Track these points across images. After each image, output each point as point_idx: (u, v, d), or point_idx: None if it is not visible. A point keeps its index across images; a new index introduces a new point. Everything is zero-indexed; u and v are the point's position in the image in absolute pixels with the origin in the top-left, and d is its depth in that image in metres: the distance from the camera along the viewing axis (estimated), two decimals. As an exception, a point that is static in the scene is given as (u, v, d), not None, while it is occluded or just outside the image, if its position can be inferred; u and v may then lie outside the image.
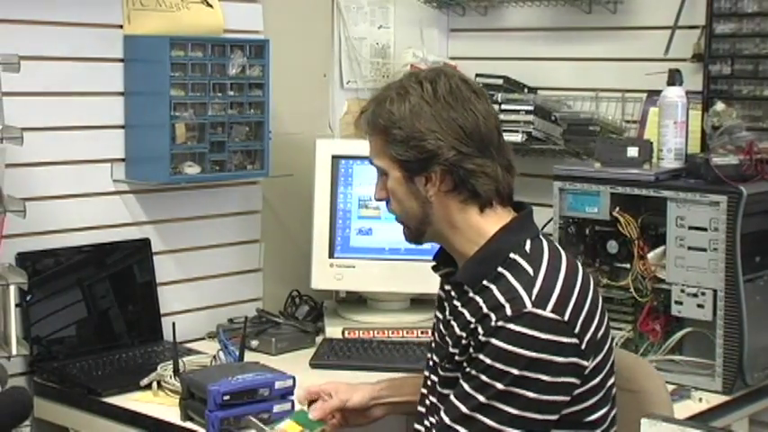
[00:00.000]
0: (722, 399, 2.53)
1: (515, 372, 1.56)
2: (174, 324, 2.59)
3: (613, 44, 3.11)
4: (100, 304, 2.77)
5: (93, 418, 2.50)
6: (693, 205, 2.57)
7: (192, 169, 2.80)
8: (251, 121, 2.91)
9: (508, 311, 1.58)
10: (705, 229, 2.56)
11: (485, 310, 1.61)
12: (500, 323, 1.57)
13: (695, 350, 2.65)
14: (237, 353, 2.59)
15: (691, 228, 2.58)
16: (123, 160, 2.84)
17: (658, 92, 2.83)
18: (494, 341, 1.57)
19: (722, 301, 2.54)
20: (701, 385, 2.56)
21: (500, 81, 3.14)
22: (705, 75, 2.90)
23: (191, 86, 2.76)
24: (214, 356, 2.63)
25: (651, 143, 2.76)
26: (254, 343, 2.82)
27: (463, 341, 1.61)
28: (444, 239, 1.71)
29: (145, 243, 2.87)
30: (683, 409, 2.44)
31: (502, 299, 1.60)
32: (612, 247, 2.72)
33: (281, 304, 3.12)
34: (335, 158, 3.02)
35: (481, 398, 1.56)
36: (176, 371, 2.49)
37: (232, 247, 3.10)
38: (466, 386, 1.58)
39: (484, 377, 1.57)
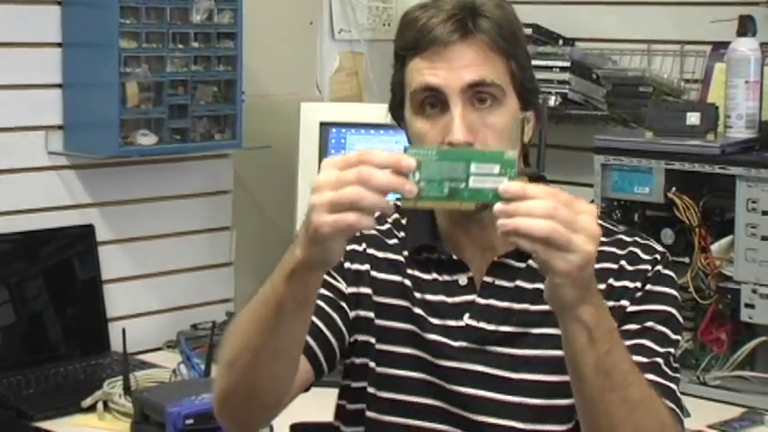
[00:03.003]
0: (803, 425, 2.53)
1: (680, 319, 1.74)
2: (123, 331, 2.58)
3: (670, -16, 3.11)
4: (32, 306, 2.77)
5: (23, 448, 2.50)
6: (769, 185, 2.58)
7: (146, 139, 2.79)
8: (220, 80, 2.90)
9: (657, 257, 1.74)
10: (783, 215, 2.56)
11: (617, 265, 1.71)
12: (657, 267, 1.73)
13: (770, 365, 2.66)
14: (203, 366, 2.60)
15: (765, 213, 2.58)
16: (61, 128, 2.83)
17: (726, 44, 2.81)
18: (657, 288, 1.72)
19: (804, 303, 2.55)
20: (777, 408, 2.57)
21: (529, 30, 3.12)
22: (784, 23, 2.89)
23: (145, 36, 2.75)
24: (174, 371, 2.63)
25: (716, 108, 2.75)
26: (224, 354, 2.82)
27: (611, 303, 1.69)
28: None
29: (88, 230, 2.87)
30: (755, 437, 2.45)
31: (636, 250, 1.74)
32: (668, 236, 2.71)
33: (257, 306, 3.11)
34: (324, 126, 3.02)
35: (670, 350, 1.70)
36: (127, 389, 2.49)
37: (196, 235, 3.10)
38: (644, 342, 1.67)
39: (660, 327, 1.70)
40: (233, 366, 1.60)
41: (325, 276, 1.71)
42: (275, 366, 1.59)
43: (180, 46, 2.83)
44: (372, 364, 1.76)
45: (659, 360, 1.66)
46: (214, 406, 1.67)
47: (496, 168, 1.41)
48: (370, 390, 1.76)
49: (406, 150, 1.42)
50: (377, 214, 1.43)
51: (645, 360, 1.63)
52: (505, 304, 1.73)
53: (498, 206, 1.40)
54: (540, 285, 1.72)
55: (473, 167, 1.42)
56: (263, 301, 1.55)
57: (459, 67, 1.65)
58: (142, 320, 2.97)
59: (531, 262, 1.73)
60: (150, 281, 3.01)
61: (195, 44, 2.85)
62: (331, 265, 1.51)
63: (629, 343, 1.64)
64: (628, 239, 1.75)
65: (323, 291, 1.73)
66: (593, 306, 1.46)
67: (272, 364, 1.58)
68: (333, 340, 1.74)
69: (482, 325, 1.73)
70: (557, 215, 1.38)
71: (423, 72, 1.67)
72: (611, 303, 1.68)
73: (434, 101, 1.67)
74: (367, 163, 1.40)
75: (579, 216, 1.41)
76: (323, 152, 3.02)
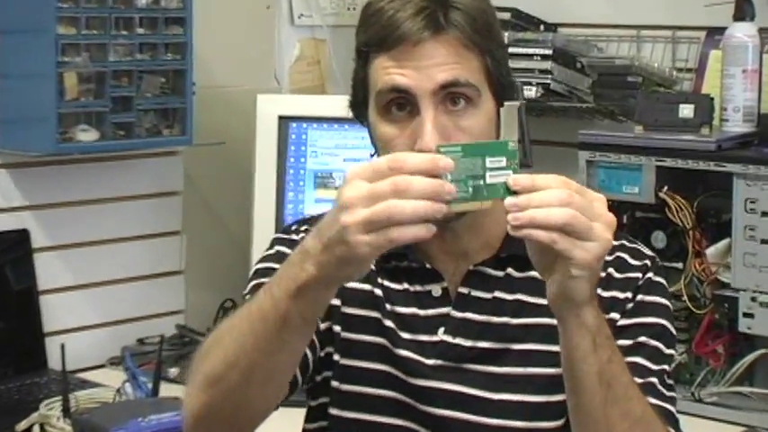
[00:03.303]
0: (806, 444, 2.54)
1: (673, 331, 1.75)
2: (62, 346, 2.57)
3: (661, -35, 3.12)
4: (-39, 320, 2.76)
5: (-49, 476, 2.49)
6: (768, 183, 2.59)
7: (87, 135, 2.78)
8: (168, 70, 2.90)
9: (648, 262, 1.75)
10: (784, 216, 2.57)
11: (604, 273, 1.70)
12: (648, 275, 1.74)
13: (771, 379, 2.67)
14: (150, 385, 2.59)
15: (765, 214, 2.59)
16: (-8, 123, 2.82)
17: (722, 29, 2.82)
18: (649, 298, 1.74)
19: (807, 312, 2.56)
20: (779, 426, 2.58)
21: (507, 15, 3.12)
22: (785, 6, 2.90)
23: (84, 21, 2.74)
24: (118, 390, 2.63)
25: (712, 99, 2.76)
26: (174, 371, 2.81)
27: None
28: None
29: (22, 236, 2.86)
30: (754, 458, 2.47)
31: (624, 256, 1.75)
32: (659, 239, 2.73)
33: (210, 318, 3.10)
34: (283, 120, 3.02)
35: (664, 367, 1.71)
36: (66, 410, 2.48)
37: (143, 241, 3.09)
38: (638, 360, 1.68)
39: (654, 342, 1.71)
40: (216, 385, 1.57)
41: None
42: (269, 385, 1.58)
43: (123, 32, 2.81)
44: (336, 383, 1.76)
45: (654, 380, 1.67)
46: (186, 424, 1.64)
47: (504, 161, 1.45)
48: (334, 410, 1.76)
49: (438, 149, 1.43)
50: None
51: (639, 381, 1.63)
52: (483, 318, 1.73)
53: (510, 200, 1.42)
54: (520, 296, 1.73)
55: (488, 161, 1.45)
56: (261, 317, 1.52)
57: (429, 66, 1.65)
58: (83, 335, 2.96)
59: (510, 270, 1.74)
60: (91, 291, 3.00)
61: (140, 30, 2.84)
62: (355, 280, 1.52)
63: None
64: (614, 243, 1.75)
65: None
66: (594, 308, 1.49)
67: (266, 382, 1.57)
68: (308, 352, 1.73)
69: (458, 341, 1.73)
70: (573, 202, 1.41)
71: (389, 72, 1.66)
72: None
73: (402, 102, 1.67)
74: (400, 170, 1.39)
75: (594, 203, 1.44)
76: (282, 149, 3.02)
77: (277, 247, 1.83)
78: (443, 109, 1.66)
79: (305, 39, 3.42)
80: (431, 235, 1.41)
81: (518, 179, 1.42)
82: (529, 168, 1.68)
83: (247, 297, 1.78)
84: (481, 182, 1.44)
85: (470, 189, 1.43)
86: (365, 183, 1.40)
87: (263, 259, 1.83)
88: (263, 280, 1.76)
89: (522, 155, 1.48)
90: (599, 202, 1.45)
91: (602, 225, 1.44)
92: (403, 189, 1.38)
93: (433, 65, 1.65)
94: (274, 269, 1.77)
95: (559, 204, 1.41)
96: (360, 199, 1.39)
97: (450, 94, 1.65)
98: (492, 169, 1.44)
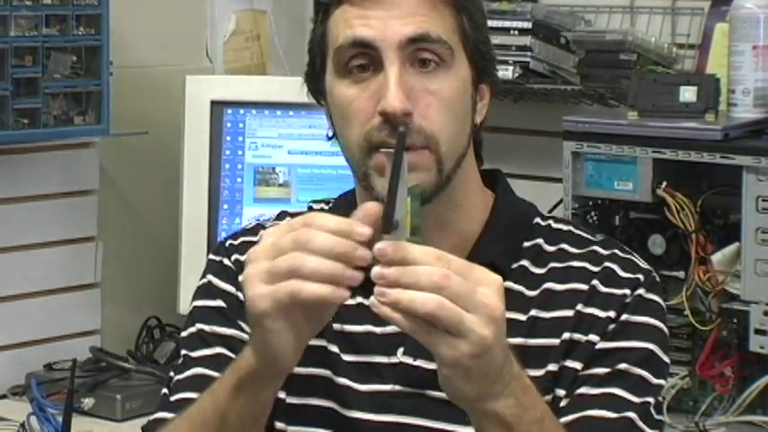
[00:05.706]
0: (829, 482, 2.56)
1: (664, 358, 1.75)
2: (-44, 374, 2.56)
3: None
4: None
5: None
6: (784, 178, 2.60)
7: (-16, 124, 2.77)
8: (80, 47, 2.90)
9: (640, 276, 1.76)
10: (802, 216, 2.59)
11: (587, 286, 1.73)
12: (639, 291, 1.75)
13: (787, 406, 2.68)
14: (60, 418, 2.58)
15: (780, 214, 2.61)
16: None
17: (729, -1, 2.84)
18: (637, 318, 1.74)
19: (829, 328, 2.57)
20: (797, 461, 2.59)
21: (480, -18, 3.13)
22: (801, -28, 2.92)
23: (-19, -10, 2.75)
24: (22, 425, 2.63)
25: (717, 80, 2.78)
26: (88, 402, 2.81)
27: (577, 336, 1.72)
28: (454, 201, 1.75)
29: None
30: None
31: (613, 266, 1.76)
32: (657, 244, 2.74)
33: (131, 339, 3.11)
34: (216, 105, 3.03)
35: (648, 399, 1.71)
36: (-40, 449, 2.48)
37: (51, 248, 3.08)
38: (615, 391, 1.68)
39: (638, 370, 1.70)
40: None
41: (225, 329, 1.77)
42: None
43: (27, 2, 2.81)
44: (281, 425, 1.76)
45: (632, 415, 1.67)
46: None
47: None
48: None
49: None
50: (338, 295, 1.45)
51: (613, 416, 1.64)
52: None
53: (377, 270, 1.41)
54: None
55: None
56: (202, 421, 1.60)
57: (397, 16, 1.67)
58: (-19, 360, 2.96)
59: None
60: (-9, 308, 3.00)
61: (48, 0, 2.84)
62: (281, 367, 1.55)
63: (595, 392, 1.67)
64: (604, 252, 1.77)
65: (225, 351, 1.77)
66: (511, 397, 1.47)
67: None
68: None
69: (419, 362, 1.72)
70: (448, 286, 1.39)
71: (351, 23, 1.68)
72: (577, 337, 1.70)
73: (366, 62, 1.68)
74: (309, 226, 1.46)
75: (478, 289, 1.41)
76: (215, 139, 3.01)
77: (208, 277, 1.85)
78: (412, 70, 1.68)
79: (242, 9, 3.42)
80: (340, 300, 1.45)
81: (384, 249, 1.41)
82: (494, 171, 1.69)
83: (184, 353, 1.81)
84: None
85: None
86: (274, 239, 1.49)
87: (197, 293, 1.85)
88: (202, 327, 1.80)
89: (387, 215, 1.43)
90: (486, 287, 1.42)
91: (481, 318, 1.40)
92: (303, 241, 1.44)
93: (400, 15, 1.67)
94: (210, 308, 1.81)
95: (431, 287, 1.39)
96: (264, 251, 1.48)
97: (420, 52, 1.67)
98: None
